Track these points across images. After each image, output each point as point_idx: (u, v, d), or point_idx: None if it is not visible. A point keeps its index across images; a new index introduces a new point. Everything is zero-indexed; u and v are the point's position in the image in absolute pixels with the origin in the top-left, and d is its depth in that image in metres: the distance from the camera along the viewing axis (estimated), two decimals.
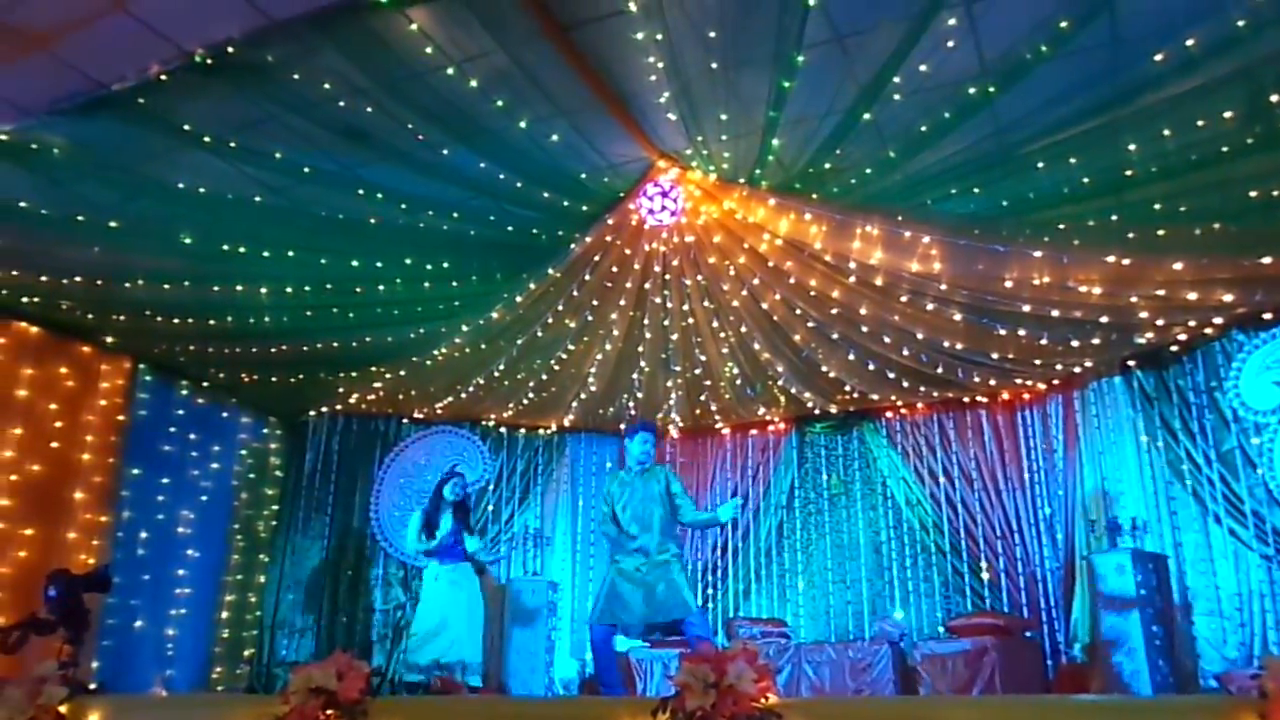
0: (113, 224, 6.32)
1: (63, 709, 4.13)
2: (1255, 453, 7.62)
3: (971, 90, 5.21)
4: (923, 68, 5.08)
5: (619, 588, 6.00)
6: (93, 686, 4.60)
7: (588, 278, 7.70)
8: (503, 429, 10.89)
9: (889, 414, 10.27)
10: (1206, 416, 8.01)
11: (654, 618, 5.96)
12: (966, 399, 9.85)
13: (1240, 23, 4.59)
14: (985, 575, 9.38)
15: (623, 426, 9.64)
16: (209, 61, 4.93)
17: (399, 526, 9.81)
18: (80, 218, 6.24)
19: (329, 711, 3.58)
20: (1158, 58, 4.85)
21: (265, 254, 6.82)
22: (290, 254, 6.87)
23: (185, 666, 8.96)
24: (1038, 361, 8.65)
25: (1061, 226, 6.33)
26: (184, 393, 9.35)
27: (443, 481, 7.67)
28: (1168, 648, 7.56)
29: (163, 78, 5.04)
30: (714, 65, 5.17)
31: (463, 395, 9.96)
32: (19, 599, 7.05)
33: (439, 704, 6.01)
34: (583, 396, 10.03)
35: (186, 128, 5.49)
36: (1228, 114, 5.14)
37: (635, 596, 5.94)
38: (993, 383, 9.38)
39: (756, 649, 3.27)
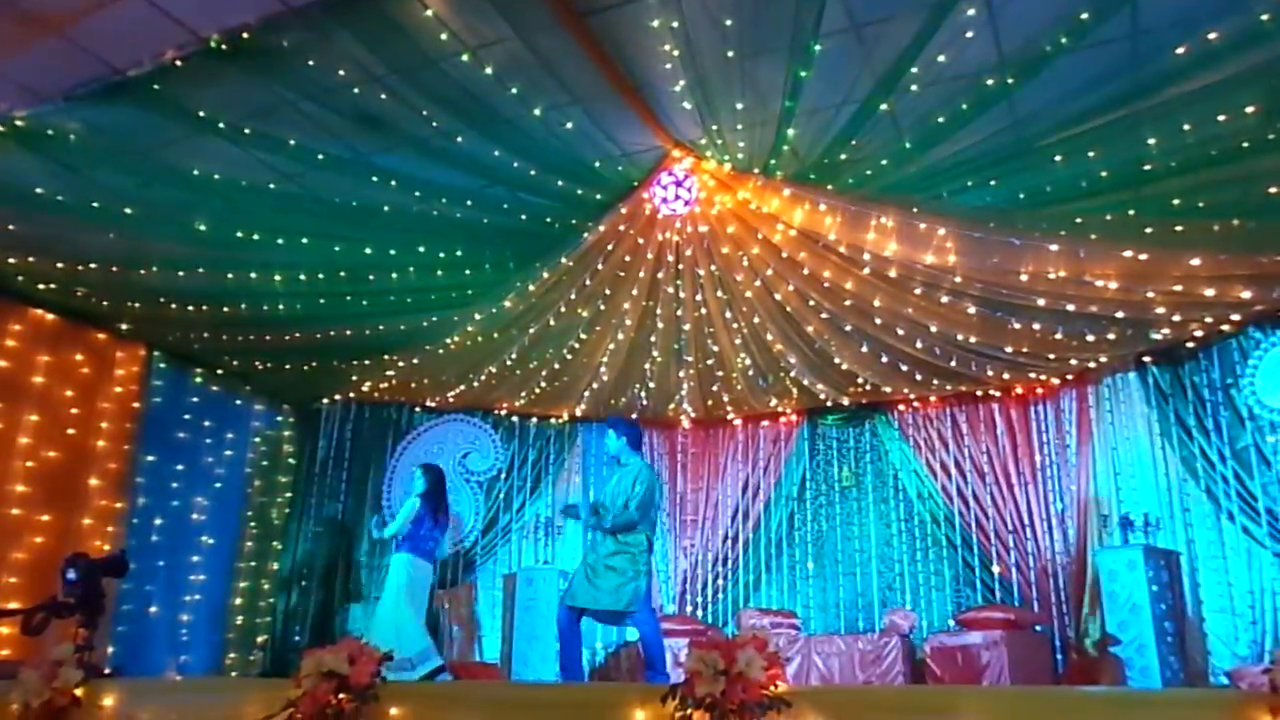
0: (128, 210, 6.34)
1: (78, 692, 4.16)
2: (1270, 450, 7.57)
3: (990, 82, 5.17)
4: (940, 58, 5.04)
5: (584, 573, 6.11)
6: (108, 671, 4.64)
7: (600, 267, 7.69)
8: (515, 418, 10.91)
9: (901, 407, 10.24)
10: (1222, 414, 7.97)
11: (607, 606, 6.03)
12: (979, 392, 9.81)
13: (1264, 17, 4.53)
14: (996, 569, 9.36)
15: (634, 416, 9.75)
16: (224, 47, 4.92)
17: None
18: (95, 204, 6.25)
19: (340, 695, 3.59)
20: (1179, 51, 4.79)
21: (279, 241, 6.83)
22: (304, 241, 6.89)
23: (199, 652, 9.01)
24: (1052, 356, 8.60)
25: (1078, 220, 6.29)
26: (198, 380, 9.40)
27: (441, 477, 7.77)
28: (1179, 644, 7.54)
29: (178, 64, 5.04)
30: (730, 54, 5.14)
31: (475, 384, 9.98)
32: (35, 584, 7.11)
33: (448, 689, 6.07)
34: (595, 386, 10.02)
35: (201, 114, 5.49)
36: (1249, 109, 5.09)
37: (594, 583, 6.01)
38: (1006, 376, 9.34)
39: (766, 638, 3.27)
